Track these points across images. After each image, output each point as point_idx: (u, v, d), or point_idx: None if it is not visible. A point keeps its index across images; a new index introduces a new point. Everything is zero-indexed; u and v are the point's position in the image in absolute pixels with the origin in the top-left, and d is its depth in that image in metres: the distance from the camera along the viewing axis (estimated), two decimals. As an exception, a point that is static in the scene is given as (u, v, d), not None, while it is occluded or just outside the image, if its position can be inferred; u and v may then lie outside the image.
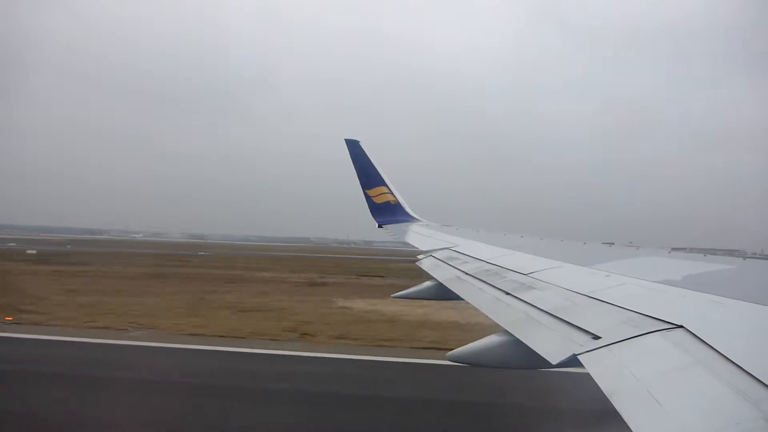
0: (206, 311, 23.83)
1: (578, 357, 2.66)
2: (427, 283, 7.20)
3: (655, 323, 2.72)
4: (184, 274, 43.99)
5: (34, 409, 10.69)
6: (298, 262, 69.36)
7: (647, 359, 2.41)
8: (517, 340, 3.35)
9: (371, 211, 14.25)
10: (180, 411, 10.97)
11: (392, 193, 14.34)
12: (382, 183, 14.29)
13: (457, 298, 5.40)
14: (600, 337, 2.79)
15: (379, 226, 14.06)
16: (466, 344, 4.00)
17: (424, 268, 7.56)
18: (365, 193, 14.27)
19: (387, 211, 14.16)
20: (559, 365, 2.77)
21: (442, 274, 6.63)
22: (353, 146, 14.28)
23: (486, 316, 4.07)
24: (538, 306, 3.77)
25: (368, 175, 14.26)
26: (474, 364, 3.93)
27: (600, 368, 2.45)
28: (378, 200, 14.23)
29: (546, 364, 2.86)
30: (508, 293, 4.43)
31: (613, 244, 6.19)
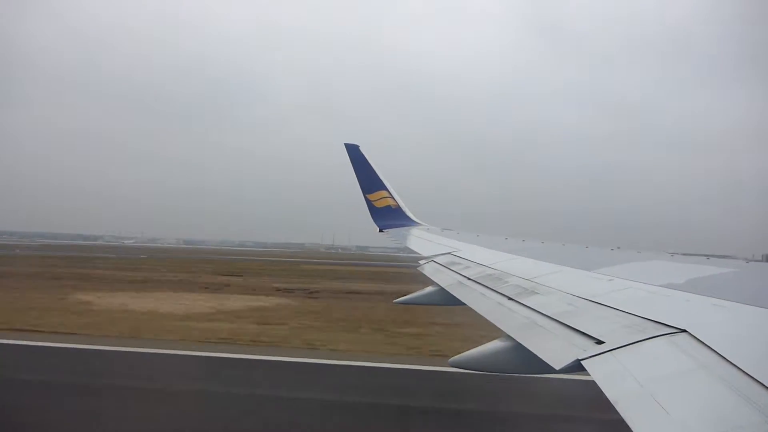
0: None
1: (582, 362, 2.63)
2: (429, 289, 7.17)
3: (659, 327, 2.69)
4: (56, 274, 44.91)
5: None
6: (223, 265, 69.39)
7: (651, 364, 2.38)
8: (520, 345, 3.32)
9: (372, 216, 14.25)
10: None
11: (393, 198, 14.34)
12: (383, 187, 14.29)
13: (460, 303, 5.38)
14: (603, 342, 2.75)
15: (380, 231, 14.06)
16: (468, 350, 3.97)
17: (426, 273, 7.53)
18: (366, 198, 14.28)
19: (388, 216, 14.15)
20: (563, 371, 2.73)
21: (444, 279, 6.61)
22: (353, 151, 14.31)
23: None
24: (540, 311, 3.74)
25: (368, 180, 14.27)
26: (476, 369, 3.90)
27: (604, 373, 2.42)
28: (378, 204, 14.22)
29: (549, 369, 2.82)
30: (510, 298, 4.39)
31: (619, 248, 6.14)
